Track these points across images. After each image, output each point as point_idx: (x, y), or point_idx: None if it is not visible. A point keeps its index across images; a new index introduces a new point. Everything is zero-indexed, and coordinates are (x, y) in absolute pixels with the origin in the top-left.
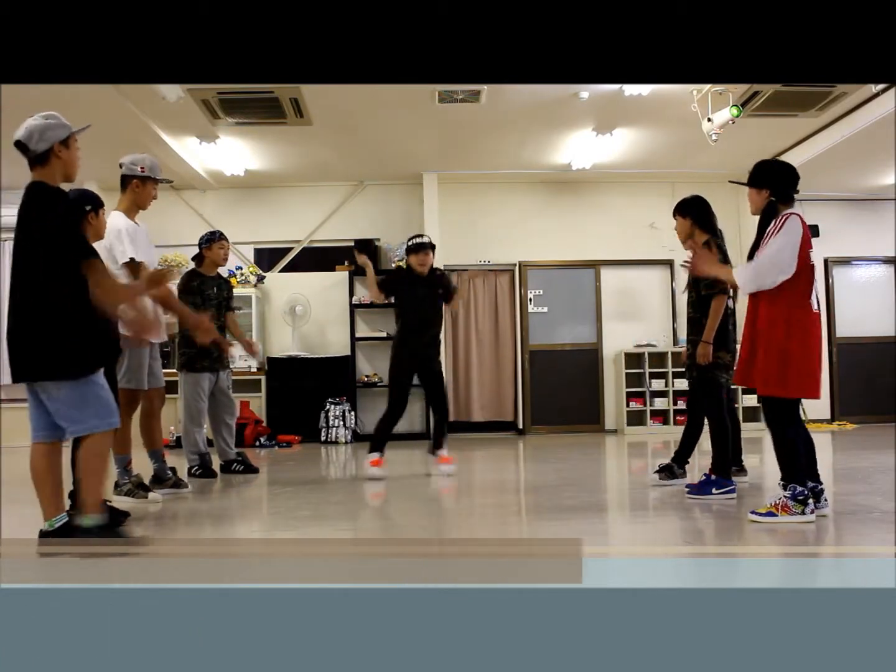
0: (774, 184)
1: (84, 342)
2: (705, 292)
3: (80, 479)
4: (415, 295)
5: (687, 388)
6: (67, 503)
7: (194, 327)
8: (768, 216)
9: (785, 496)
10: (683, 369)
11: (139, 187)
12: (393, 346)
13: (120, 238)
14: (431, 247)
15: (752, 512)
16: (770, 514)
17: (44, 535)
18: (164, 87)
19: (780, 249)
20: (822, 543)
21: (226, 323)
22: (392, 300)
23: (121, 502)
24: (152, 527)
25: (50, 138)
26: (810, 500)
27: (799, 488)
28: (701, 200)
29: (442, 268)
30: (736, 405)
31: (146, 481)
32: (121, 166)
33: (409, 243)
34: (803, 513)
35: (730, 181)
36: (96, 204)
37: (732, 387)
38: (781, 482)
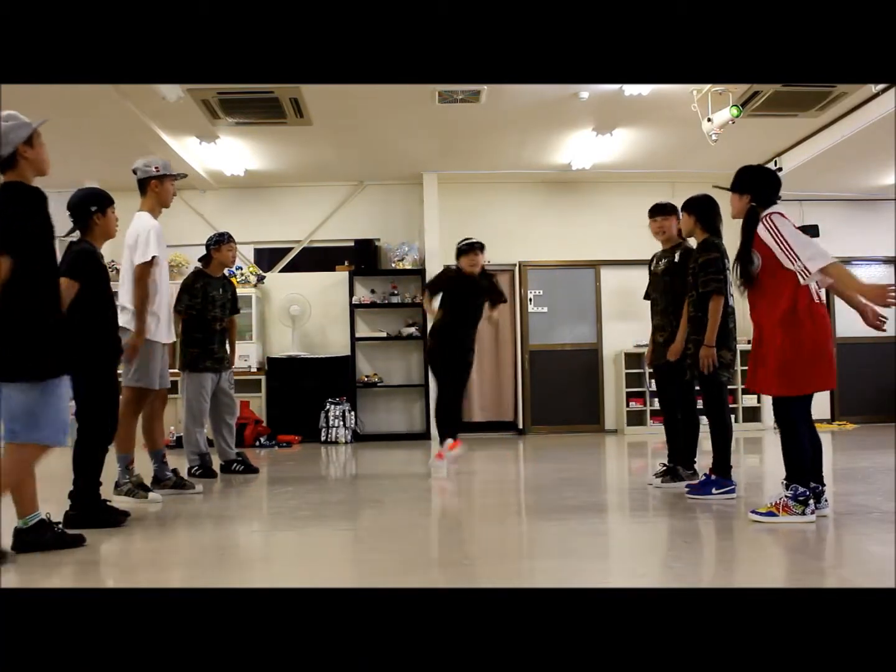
0: (755, 189)
1: (45, 346)
2: (703, 290)
3: None
4: (461, 294)
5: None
6: (67, 503)
7: None
8: (750, 221)
9: (786, 496)
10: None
11: (158, 187)
12: (430, 337)
13: (148, 238)
14: (481, 247)
15: (753, 511)
16: (770, 513)
17: (19, 532)
18: (164, 87)
19: (805, 242)
20: (820, 543)
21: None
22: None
23: (121, 502)
24: (153, 527)
25: (12, 141)
26: (811, 501)
27: (801, 489)
28: (708, 199)
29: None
30: (734, 405)
31: (147, 482)
32: (135, 172)
33: (460, 245)
34: (804, 513)
35: (714, 185)
36: (103, 203)
37: (730, 387)
38: (785, 481)
